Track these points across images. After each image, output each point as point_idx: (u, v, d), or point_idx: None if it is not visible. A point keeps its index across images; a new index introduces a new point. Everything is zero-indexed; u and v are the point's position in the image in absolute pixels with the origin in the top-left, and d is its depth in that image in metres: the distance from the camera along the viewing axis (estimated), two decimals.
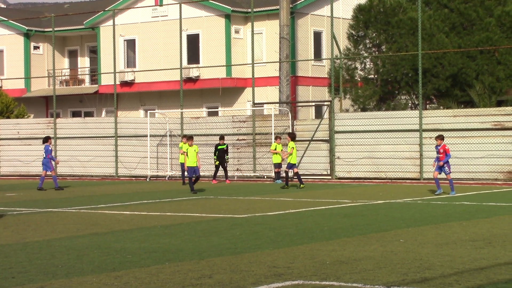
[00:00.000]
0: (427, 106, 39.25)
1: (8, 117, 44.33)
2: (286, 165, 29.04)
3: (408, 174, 31.67)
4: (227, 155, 32.88)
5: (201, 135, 35.58)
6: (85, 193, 27.61)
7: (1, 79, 48.50)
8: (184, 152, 28.01)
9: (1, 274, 11.12)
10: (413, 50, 35.46)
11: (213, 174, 33.14)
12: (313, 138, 33.84)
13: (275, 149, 31.06)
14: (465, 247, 12.97)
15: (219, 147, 32.60)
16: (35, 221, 18.37)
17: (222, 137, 32.93)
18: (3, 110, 44.76)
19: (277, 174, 32.09)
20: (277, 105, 36.63)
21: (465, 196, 23.80)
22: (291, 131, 32.32)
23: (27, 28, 52.17)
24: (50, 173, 29.88)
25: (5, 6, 66.15)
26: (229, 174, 33.70)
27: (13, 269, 11.53)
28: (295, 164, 28.65)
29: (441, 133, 26.38)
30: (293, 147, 28.54)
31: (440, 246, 13.17)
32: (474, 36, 37.01)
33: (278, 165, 31.90)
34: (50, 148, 29.99)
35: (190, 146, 26.79)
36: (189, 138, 27.45)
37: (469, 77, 36.77)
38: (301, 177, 29.12)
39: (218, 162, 32.56)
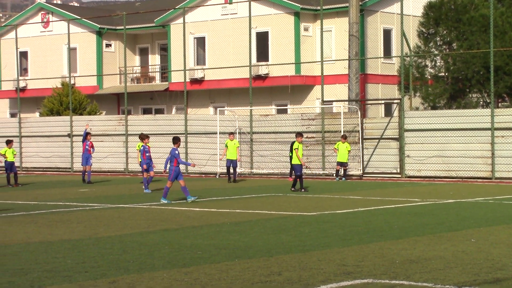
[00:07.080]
0: (499, 104, 38.65)
1: (81, 114, 45.09)
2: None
3: (480, 173, 31.24)
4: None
5: (270, 132, 35.70)
6: (155, 189, 27.91)
7: (74, 77, 49.28)
8: None
9: (74, 268, 11.34)
10: (484, 47, 34.95)
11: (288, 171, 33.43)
12: (383, 136, 33.63)
13: (337, 148, 32.45)
14: None
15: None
16: (107, 216, 18.67)
17: (299, 134, 32.73)
18: (76, 107, 45.53)
19: (337, 171, 32.29)
20: (346, 103, 36.46)
21: None
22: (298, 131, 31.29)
23: (99, 26, 52.95)
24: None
25: (78, 5, 67.29)
26: None
27: (86, 263, 11.74)
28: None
29: None
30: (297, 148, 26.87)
31: None
32: None
33: (339, 164, 32.37)
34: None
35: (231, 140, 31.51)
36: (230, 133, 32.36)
37: None
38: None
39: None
